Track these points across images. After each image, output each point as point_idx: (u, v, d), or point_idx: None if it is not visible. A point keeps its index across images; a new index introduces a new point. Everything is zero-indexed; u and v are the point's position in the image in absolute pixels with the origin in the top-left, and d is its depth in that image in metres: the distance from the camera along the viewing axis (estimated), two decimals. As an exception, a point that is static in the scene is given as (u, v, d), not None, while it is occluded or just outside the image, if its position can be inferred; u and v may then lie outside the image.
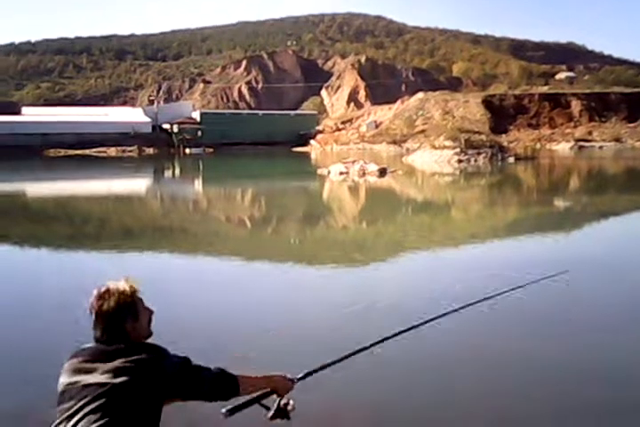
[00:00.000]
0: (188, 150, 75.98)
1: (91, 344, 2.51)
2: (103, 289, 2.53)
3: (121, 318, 2.49)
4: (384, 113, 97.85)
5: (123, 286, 2.55)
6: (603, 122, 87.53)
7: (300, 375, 2.91)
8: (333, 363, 3.01)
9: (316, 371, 2.97)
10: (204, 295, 8.96)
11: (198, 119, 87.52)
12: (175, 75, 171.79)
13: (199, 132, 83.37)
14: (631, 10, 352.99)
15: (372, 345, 3.15)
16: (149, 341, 2.57)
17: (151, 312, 2.63)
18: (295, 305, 8.45)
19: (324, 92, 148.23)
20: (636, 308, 8.06)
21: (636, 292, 8.95)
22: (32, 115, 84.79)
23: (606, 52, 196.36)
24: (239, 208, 22.58)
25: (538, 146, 56.50)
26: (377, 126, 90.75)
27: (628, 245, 13.05)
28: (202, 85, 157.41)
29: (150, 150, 74.93)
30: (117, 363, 2.36)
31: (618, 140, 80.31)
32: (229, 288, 9.51)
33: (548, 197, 24.61)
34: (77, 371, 2.40)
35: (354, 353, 3.10)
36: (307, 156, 68.94)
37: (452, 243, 14.12)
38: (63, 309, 7.91)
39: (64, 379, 2.41)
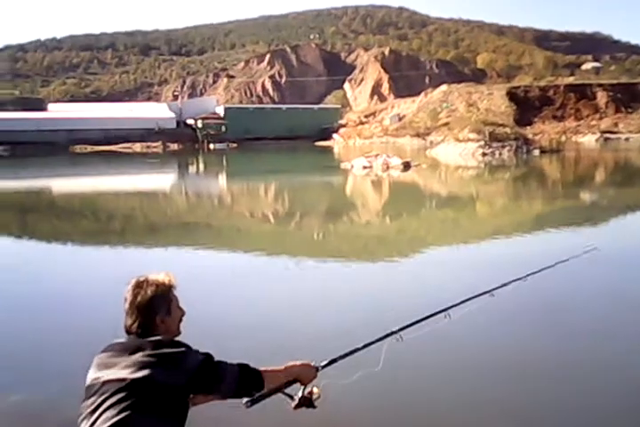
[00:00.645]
0: (212, 146, 76.30)
1: (122, 339, 2.52)
2: (142, 279, 2.56)
3: (154, 310, 2.50)
4: (407, 106, 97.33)
5: (162, 278, 2.59)
6: (629, 113, 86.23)
7: (323, 363, 2.90)
8: (356, 351, 2.99)
9: (340, 358, 2.95)
10: (228, 291, 9.04)
11: (222, 114, 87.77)
12: (199, 70, 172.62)
13: (223, 128, 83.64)
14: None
15: (390, 334, 3.11)
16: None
17: (183, 313, 2.65)
18: (317, 299, 8.49)
19: (347, 86, 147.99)
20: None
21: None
22: (58, 111, 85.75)
23: (633, 42, 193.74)
24: (263, 203, 22.67)
25: (563, 138, 55.97)
26: (400, 119, 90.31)
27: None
28: (225, 80, 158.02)
29: (175, 146, 75.40)
30: (139, 357, 2.37)
31: (645, 131, 79.12)
32: (253, 283, 9.56)
33: (573, 191, 24.37)
34: (102, 366, 2.42)
35: (376, 341, 3.07)
36: (330, 150, 68.90)
37: (476, 236, 14.05)
38: (95, 302, 8.04)
39: (90, 374, 2.44)
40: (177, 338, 2.58)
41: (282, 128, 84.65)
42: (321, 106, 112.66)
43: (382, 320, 6.38)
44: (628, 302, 7.90)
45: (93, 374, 2.42)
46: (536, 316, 7.38)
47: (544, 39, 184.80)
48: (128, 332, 2.52)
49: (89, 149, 70.99)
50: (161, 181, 34.58)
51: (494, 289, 3.65)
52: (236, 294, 8.93)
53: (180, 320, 2.63)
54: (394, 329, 3.10)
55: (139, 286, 2.53)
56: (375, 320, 6.95)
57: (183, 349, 2.44)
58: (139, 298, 2.50)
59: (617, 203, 20.64)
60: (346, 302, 8.37)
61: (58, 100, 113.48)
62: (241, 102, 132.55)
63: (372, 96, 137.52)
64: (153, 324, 2.50)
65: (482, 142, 44.21)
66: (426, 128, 79.80)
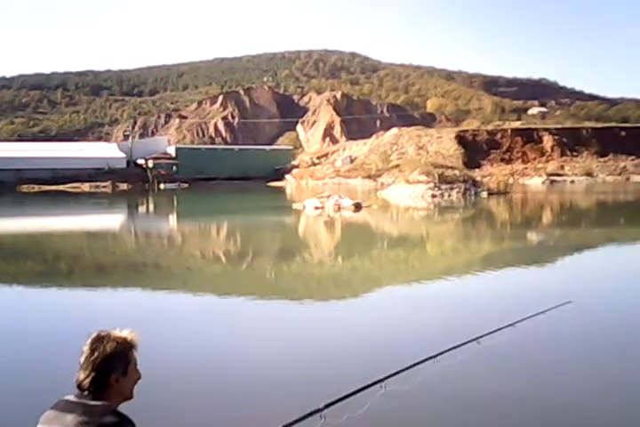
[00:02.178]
0: (162, 186, 75.71)
1: (71, 395, 2.40)
2: (104, 333, 2.44)
3: (110, 368, 2.38)
4: (359, 148, 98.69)
5: (125, 336, 2.46)
6: (574, 156, 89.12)
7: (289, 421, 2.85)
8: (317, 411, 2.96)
9: (304, 417, 2.93)
10: (178, 334, 8.84)
11: (173, 154, 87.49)
12: (151, 110, 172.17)
13: (174, 168, 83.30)
14: (601, 47, 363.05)
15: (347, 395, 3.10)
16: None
17: (139, 376, 2.52)
18: (269, 342, 8.35)
19: (299, 128, 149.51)
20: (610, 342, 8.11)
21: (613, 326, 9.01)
22: (5, 150, 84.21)
23: (577, 88, 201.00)
24: (214, 244, 22.46)
25: (510, 180, 57.15)
26: (352, 161, 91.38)
27: (599, 279, 13.17)
28: (178, 121, 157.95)
29: (124, 186, 74.56)
30: (71, 420, 2.27)
31: (589, 174, 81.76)
32: (203, 325, 9.38)
33: (520, 231, 24.82)
34: (44, 422, 2.33)
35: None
36: (282, 190, 69.08)
37: (427, 278, 14.13)
38: (39, 349, 7.77)
39: None
40: (128, 402, 2.47)
41: (234, 169, 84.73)
42: (273, 147, 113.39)
43: (334, 366, 6.31)
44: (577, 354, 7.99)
45: None
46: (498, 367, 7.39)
47: (492, 85, 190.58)
48: (79, 387, 2.39)
49: (37, 188, 69.70)
50: (110, 221, 34.05)
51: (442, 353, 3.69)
52: (187, 336, 8.74)
53: (135, 383, 2.50)
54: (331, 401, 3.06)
55: (99, 340, 2.41)
56: (326, 365, 6.89)
57: (117, 420, 2.30)
58: (96, 353, 2.38)
59: (562, 243, 21.10)
60: (298, 343, 8.26)
61: (5, 140, 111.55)
62: (193, 143, 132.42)
63: (324, 138, 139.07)
64: (107, 382, 2.38)
65: (431, 184, 44.89)
66: (377, 170, 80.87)
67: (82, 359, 2.40)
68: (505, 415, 5.81)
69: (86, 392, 2.37)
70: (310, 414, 2.98)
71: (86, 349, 2.41)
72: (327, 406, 3.06)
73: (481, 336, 4.21)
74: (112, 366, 2.39)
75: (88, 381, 2.37)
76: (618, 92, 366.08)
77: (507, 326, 4.50)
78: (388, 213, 35.40)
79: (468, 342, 4.08)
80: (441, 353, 3.81)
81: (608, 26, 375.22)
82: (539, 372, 6.99)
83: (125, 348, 2.44)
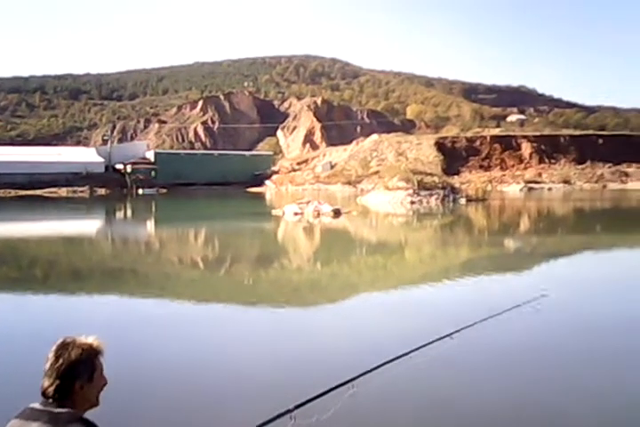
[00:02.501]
0: (140, 191, 75.27)
1: (36, 403, 2.36)
2: (69, 340, 2.41)
3: (75, 375, 2.35)
4: (339, 154, 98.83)
5: (90, 342, 2.43)
6: (552, 164, 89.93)
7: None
8: (285, 413, 2.97)
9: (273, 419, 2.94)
10: (155, 340, 8.80)
11: (152, 159, 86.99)
12: (130, 114, 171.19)
13: (153, 173, 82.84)
14: (579, 55, 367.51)
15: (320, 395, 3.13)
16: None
17: (105, 382, 2.49)
18: (243, 346, 8.33)
19: (279, 133, 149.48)
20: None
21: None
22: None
23: (556, 96, 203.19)
24: (192, 250, 22.36)
25: (489, 187, 57.58)
26: (332, 167, 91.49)
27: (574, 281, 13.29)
28: (157, 125, 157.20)
29: (102, 191, 74.00)
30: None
31: (567, 181, 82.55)
32: (178, 330, 9.33)
33: (498, 238, 24.99)
34: None
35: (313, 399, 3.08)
36: (262, 196, 68.99)
37: (403, 284, 14.17)
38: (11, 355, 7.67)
39: None
40: (95, 409, 2.44)
41: (213, 174, 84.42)
42: (253, 152, 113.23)
43: (312, 372, 6.31)
44: (549, 352, 8.06)
45: None
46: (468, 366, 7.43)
47: (471, 92, 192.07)
48: (43, 394, 2.36)
49: (13, 193, 68.94)
50: (87, 226, 33.75)
51: (402, 355, 3.74)
52: (161, 341, 8.69)
53: (101, 390, 2.47)
54: (291, 409, 3.06)
55: (64, 347, 2.38)
56: (307, 371, 6.88)
57: None
58: (61, 360, 2.35)
59: (539, 250, 21.27)
60: (279, 349, 8.24)
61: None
62: (172, 148, 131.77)
63: (304, 144, 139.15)
64: (71, 390, 2.35)
65: (410, 191, 45.08)
66: (357, 176, 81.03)
67: (46, 366, 2.38)
68: (474, 413, 5.84)
69: (51, 400, 2.35)
70: (281, 415, 3.02)
71: (51, 356, 2.38)
72: (297, 406, 3.10)
73: (443, 337, 4.29)
74: (77, 372, 2.36)
75: (53, 388, 2.34)
76: (595, 100, 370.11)
77: (465, 328, 4.62)
78: (367, 219, 35.49)
79: (436, 340, 4.18)
80: (412, 351, 3.91)
81: (586, 34, 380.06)
82: (506, 370, 7.12)
83: (91, 354, 2.41)
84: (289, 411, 3.04)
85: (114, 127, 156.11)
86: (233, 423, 4.77)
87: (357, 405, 4.30)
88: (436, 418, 5.79)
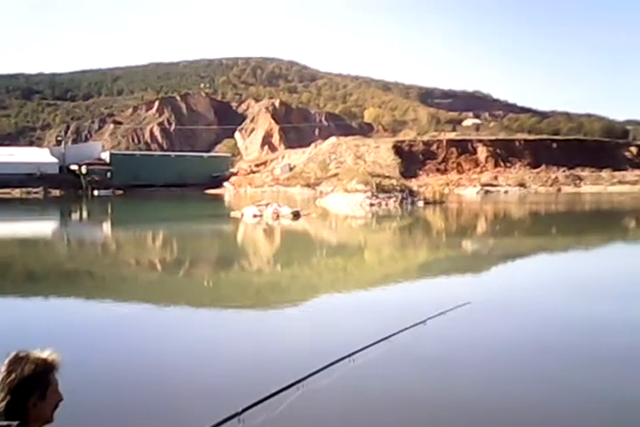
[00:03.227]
0: (96, 192, 74.13)
1: None
2: (22, 354, 2.27)
3: (27, 391, 2.22)
4: (298, 156, 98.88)
5: (45, 357, 2.29)
6: (507, 167, 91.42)
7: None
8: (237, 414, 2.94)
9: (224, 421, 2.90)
10: (113, 343, 8.63)
11: (108, 160, 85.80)
12: (84, 115, 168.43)
13: (108, 174, 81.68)
14: (533, 60, 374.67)
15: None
16: None
17: (61, 398, 2.35)
18: (195, 349, 8.23)
19: (237, 135, 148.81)
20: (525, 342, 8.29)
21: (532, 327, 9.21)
22: None
23: (510, 101, 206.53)
24: (149, 252, 22.05)
25: (446, 190, 58.22)
26: (291, 169, 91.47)
27: (527, 283, 13.47)
28: (112, 126, 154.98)
29: (57, 192, 72.69)
30: None
31: (522, 185, 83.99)
32: (135, 335, 9.18)
33: (454, 240, 25.27)
34: None
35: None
36: (220, 198, 68.56)
37: (363, 285, 14.19)
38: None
39: None
40: (47, 426, 2.31)
41: (170, 175, 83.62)
42: (211, 154, 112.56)
43: (275, 372, 6.25)
44: (502, 351, 8.14)
45: None
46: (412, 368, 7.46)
47: (428, 96, 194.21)
48: None
49: (-37, 194, 67.28)
50: (42, 228, 33.03)
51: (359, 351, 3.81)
52: (117, 345, 8.53)
53: (56, 406, 2.34)
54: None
55: (17, 361, 2.25)
56: (269, 371, 6.81)
57: None
58: (12, 375, 2.22)
59: (495, 252, 21.55)
60: (237, 352, 8.16)
61: None
62: (128, 149, 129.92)
63: (262, 146, 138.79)
64: (23, 406, 2.22)
65: (369, 193, 45.33)
66: (316, 178, 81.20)
67: None
68: (417, 411, 5.90)
69: (1, 417, 2.21)
70: (228, 418, 2.99)
71: (3, 370, 2.25)
72: (245, 409, 3.07)
73: (391, 335, 4.43)
74: (30, 389, 2.23)
75: (3, 404, 2.21)
76: (549, 105, 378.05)
77: (415, 325, 4.81)
78: (326, 221, 35.52)
79: (379, 340, 4.29)
80: (354, 353, 3.97)
81: (539, 40, 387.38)
82: (446, 368, 7.24)
83: (45, 370, 2.28)
84: (237, 414, 3.02)
85: (68, 128, 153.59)
86: None
87: (305, 405, 4.33)
88: (381, 416, 5.82)
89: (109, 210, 50.26)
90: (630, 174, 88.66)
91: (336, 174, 71.70)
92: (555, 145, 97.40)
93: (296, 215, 33.91)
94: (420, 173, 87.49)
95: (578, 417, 5.88)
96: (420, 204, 45.28)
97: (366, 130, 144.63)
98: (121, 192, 74.38)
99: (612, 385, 6.67)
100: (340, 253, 21.18)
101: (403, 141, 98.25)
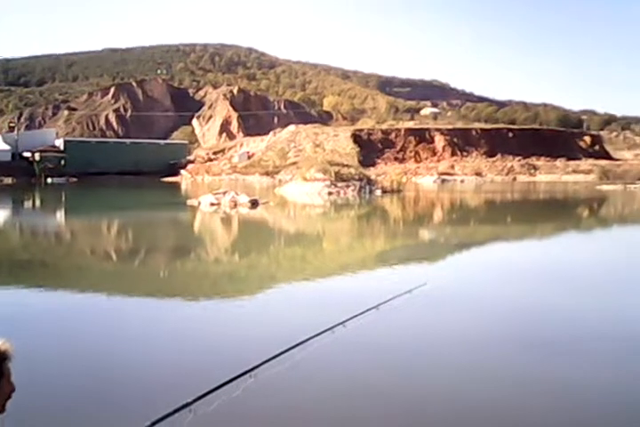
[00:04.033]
0: (50, 180, 72.70)
1: None
2: None
3: None
4: (256, 144, 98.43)
5: None
6: (464, 156, 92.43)
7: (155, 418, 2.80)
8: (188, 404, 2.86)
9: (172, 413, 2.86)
10: (59, 333, 8.44)
11: (62, 147, 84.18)
12: (38, 101, 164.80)
13: (62, 161, 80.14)
14: (490, 51, 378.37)
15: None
16: None
17: (13, 388, 2.28)
18: (153, 341, 8.11)
19: (195, 122, 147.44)
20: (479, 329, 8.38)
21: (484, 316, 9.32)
22: None
23: (467, 90, 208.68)
24: (105, 241, 21.68)
25: (404, 179, 58.60)
26: (249, 157, 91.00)
27: (482, 272, 13.64)
28: (66, 112, 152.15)
29: (9, 180, 71.11)
30: None
31: (478, 174, 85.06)
32: (87, 325, 9.00)
33: (411, 229, 25.46)
34: None
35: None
36: (177, 186, 67.87)
37: (321, 274, 14.17)
38: None
39: None
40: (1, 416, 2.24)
41: (126, 163, 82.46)
42: (168, 141, 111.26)
43: (231, 360, 6.19)
44: (452, 338, 8.21)
45: None
46: (373, 353, 7.47)
47: (386, 85, 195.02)
48: None
49: None
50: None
51: (335, 326, 3.85)
52: (69, 335, 8.36)
53: (9, 397, 2.27)
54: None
55: None
56: (225, 361, 6.75)
57: None
58: None
59: (451, 240, 21.77)
60: (191, 341, 8.07)
61: None
62: (83, 136, 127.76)
63: (220, 133, 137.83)
64: None
65: (328, 182, 45.33)
66: (274, 167, 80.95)
67: None
68: (369, 398, 5.90)
69: None
70: (179, 408, 2.96)
71: None
72: (196, 399, 3.05)
73: (344, 321, 4.52)
74: None
75: None
76: (506, 95, 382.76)
77: (369, 310, 4.97)
78: (285, 210, 35.42)
79: (333, 326, 4.35)
80: (306, 340, 3.99)
81: (497, 30, 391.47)
82: (398, 353, 7.31)
83: None
84: (187, 404, 3.00)
85: (21, 114, 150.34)
86: (130, 419, 4.61)
87: (257, 394, 4.35)
88: (332, 404, 5.82)
89: (63, 198, 49.33)
90: (584, 164, 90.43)
91: (295, 163, 71.70)
92: (511, 134, 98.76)
93: (254, 204, 33.73)
94: (379, 161, 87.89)
95: (524, 402, 5.94)
96: (379, 192, 45.46)
97: (325, 118, 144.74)
98: (75, 180, 73.06)
99: (560, 371, 6.77)
100: (298, 242, 21.14)
101: (361, 130, 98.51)
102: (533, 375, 6.62)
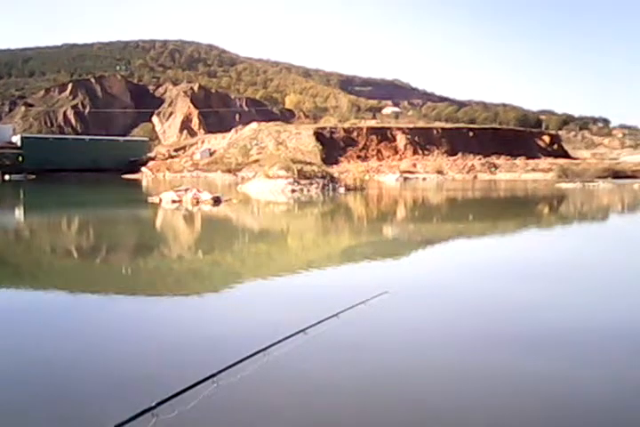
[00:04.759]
0: (7, 176, 71.30)
1: None
2: None
3: None
4: (218, 141, 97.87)
5: None
6: (426, 155, 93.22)
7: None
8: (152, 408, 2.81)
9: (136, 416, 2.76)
10: (15, 333, 8.20)
11: (19, 144, 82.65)
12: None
13: (20, 158, 78.65)
14: (451, 50, 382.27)
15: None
16: None
17: None
18: (112, 342, 7.91)
19: (155, 119, 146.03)
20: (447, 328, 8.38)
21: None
22: None
23: (429, 90, 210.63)
24: (64, 238, 21.25)
25: (367, 177, 58.81)
26: (211, 154, 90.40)
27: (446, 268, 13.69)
28: (23, 108, 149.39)
29: (-36, 176, 69.50)
30: None
31: (440, 172, 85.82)
32: (44, 324, 8.76)
33: (374, 226, 25.51)
34: None
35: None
36: (137, 183, 67.04)
37: (285, 272, 14.06)
38: None
39: None
40: None
41: (85, 160, 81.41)
42: (127, 138, 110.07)
43: (196, 363, 6.06)
44: (421, 340, 8.20)
45: None
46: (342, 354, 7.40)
47: (348, 84, 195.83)
48: None
49: None
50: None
51: (307, 328, 3.87)
52: (24, 335, 8.11)
53: None
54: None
55: None
56: (188, 363, 6.62)
57: None
58: None
59: (414, 237, 21.86)
60: (153, 343, 7.88)
61: None
62: (40, 132, 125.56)
63: (181, 130, 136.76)
64: None
65: (291, 179, 45.25)
66: (237, 164, 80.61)
67: None
68: (337, 404, 5.80)
69: None
70: (142, 413, 2.88)
71: None
72: (159, 404, 2.99)
73: (307, 327, 4.61)
74: None
75: None
76: (466, 95, 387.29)
77: (331, 317, 5.14)
78: (248, 207, 35.24)
79: (296, 333, 4.45)
80: (270, 346, 4.06)
81: (457, 30, 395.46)
82: (365, 357, 7.13)
83: None
84: (151, 408, 2.94)
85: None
86: (90, 424, 4.48)
87: (220, 399, 4.29)
88: (294, 409, 5.70)
89: (22, 195, 48.35)
90: (543, 162, 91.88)
91: (257, 160, 71.42)
92: (471, 133, 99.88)
93: (217, 201, 33.47)
94: (341, 159, 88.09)
95: (492, 400, 5.94)
96: (342, 190, 45.52)
97: (287, 116, 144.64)
98: (33, 177, 71.78)
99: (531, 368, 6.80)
100: (261, 240, 21.00)
101: (324, 128, 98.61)
102: (511, 375, 6.62)
